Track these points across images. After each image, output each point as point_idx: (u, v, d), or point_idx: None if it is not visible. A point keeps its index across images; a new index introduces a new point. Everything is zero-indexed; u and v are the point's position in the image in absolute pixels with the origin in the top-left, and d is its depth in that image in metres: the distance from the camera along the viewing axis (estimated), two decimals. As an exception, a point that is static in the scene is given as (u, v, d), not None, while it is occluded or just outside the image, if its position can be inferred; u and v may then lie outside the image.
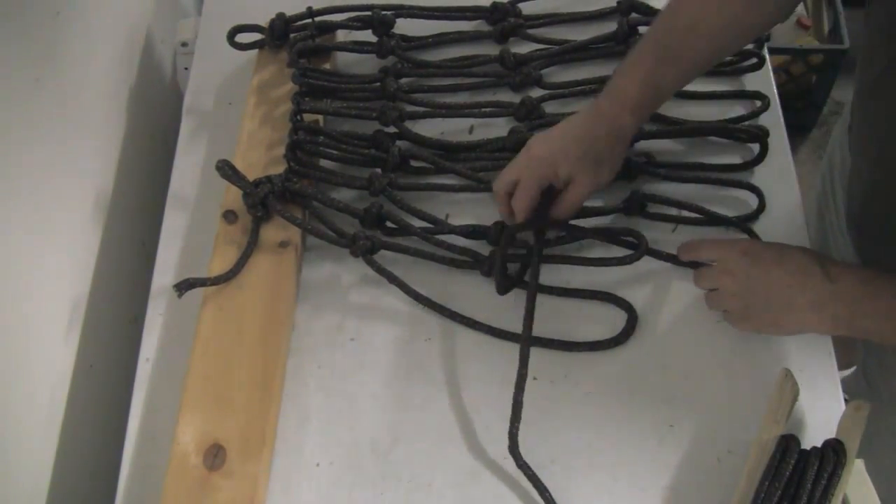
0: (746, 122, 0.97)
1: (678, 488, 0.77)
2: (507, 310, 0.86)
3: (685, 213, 0.91)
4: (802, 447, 0.73)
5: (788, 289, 0.75)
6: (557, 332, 0.85)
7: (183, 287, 0.82)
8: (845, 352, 0.86)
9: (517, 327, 0.82)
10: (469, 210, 0.93)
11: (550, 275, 0.87)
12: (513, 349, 0.84)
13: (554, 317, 0.86)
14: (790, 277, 0.75)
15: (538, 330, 0.84)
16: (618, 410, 0.81)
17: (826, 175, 1.05)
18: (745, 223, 0.89)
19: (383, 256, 0.88)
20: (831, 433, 0.74)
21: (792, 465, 0.71)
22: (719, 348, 0.83)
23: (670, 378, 0.82)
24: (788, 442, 0.73)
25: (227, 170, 0.89)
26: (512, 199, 0.84)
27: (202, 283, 0.84)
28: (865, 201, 0.87)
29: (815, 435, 0.76)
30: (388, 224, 0.90)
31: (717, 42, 0.81)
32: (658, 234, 0.89)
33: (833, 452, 0.72)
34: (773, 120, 0.98)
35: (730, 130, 0.96)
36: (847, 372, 1.29)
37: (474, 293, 0.88)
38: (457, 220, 0.91)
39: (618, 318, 0.85)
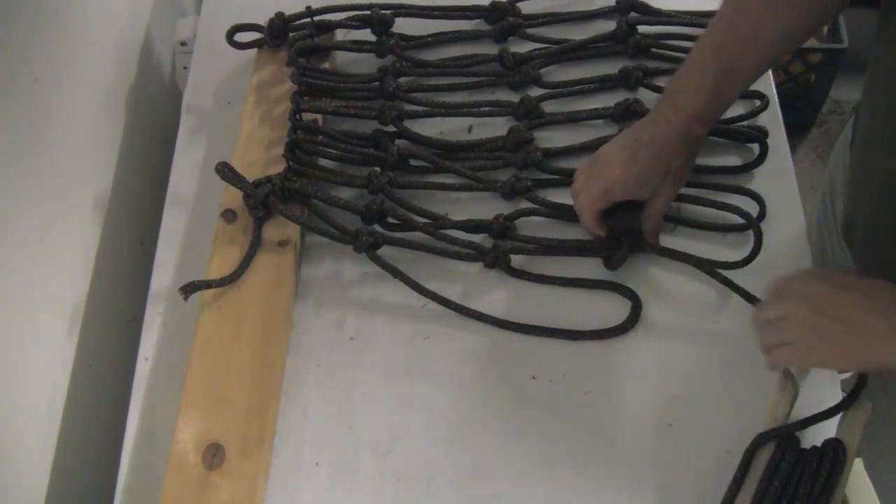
0: (745, 122, 0.97)
1: (677, 487, 0.76)
2: (509, 306, 0.86)
3: (685, 213, 0.91)
4: (802, 447, 0.73)
5: (869, 314, 0.68)
6: (560, 324, 0.85)
7: (188, 290, 0.82)
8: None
9: (519, 321, 0.84)
10: (468, 209, 0.93)
11: (550, 268, 0.88)
12: (512, 348, 0.84)
13: (555, 312, 0.86)
14: (870, 302, 0.68)
15: (540, 324, 0.84)
16: (617, 409, 0.81)
17: (827, 192, 1.05)
18: (745, 229, 0.89)
19: (384, 256, 0.88)
20: (831, 433, 0.74)
21: (792, 465, 0.71)
22: (719, 348, 0.83)
23: (670, 378, 0.82)
24: (788, 441, 0.73)
25: (226, 171, 0.89)
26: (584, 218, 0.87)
27: (207, 285, 0.84)
28: (868, 215, 0.86)
29: (815, 434, 0.76)
30: (390, 220, 0.90)
31: (775, 49, 0.82)
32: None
33: (833, 452, 0.72)
34: (773, 119, 0.98)
35: (729, 130, 0.96)
36: (847, 374, 1.29)
37: (475, 292, 0.88)
38: (456, 219, 0.91)
39: (619, 313, 0.85)
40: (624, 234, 0.86)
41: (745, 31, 0.79)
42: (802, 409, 0.78)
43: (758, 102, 0.98)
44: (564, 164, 0.95)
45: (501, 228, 0.89)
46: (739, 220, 0.89)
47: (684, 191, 0.91)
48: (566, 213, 0.91)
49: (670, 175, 0.84)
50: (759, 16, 0.78)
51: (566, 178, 0.94)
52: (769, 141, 0.95)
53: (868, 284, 0.70)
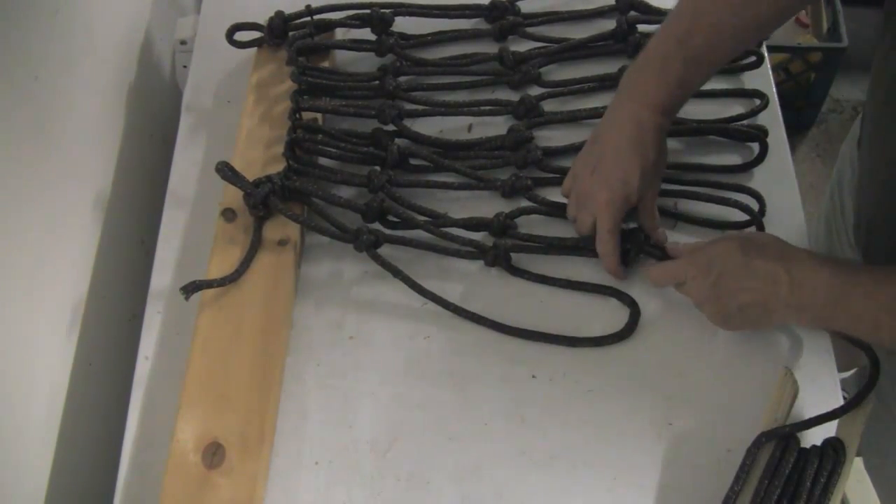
0: (745, 121, 0.97)
1: (677, 487, 0.77)
2: (508, 306, 0.86)
3: (685, 209, 0.91)
4: (802, 446, 0.73)
5: (759, 305, 0.76)
6: (559, 328, 0.85)
7: (190, 290, 0.82)
8: (847, 355, 0.86)
9: (518, 322, 0.83)
10: (468, 207, 0.93)
11: (550, 268, 0.88)
12: (512, 347, 0.84)
13: (555, 313, 0.86)
14: (757, 294, 0.75)
15: (539, 325, 0.84)
16: (617, 408, 0.81)
17: (835, 190, 1.05)
18: (746, 225, 0.89)
19: (384, 255, 0.88)
20: (831, 432, 0.74)
21: (791, 464, 0.71)
22: (719, 347, 0.83)
23: (670, 376, 0.82)
24: (788, 440, 0.73)
25: (226, 171, 0.88)
26: (598, 243, 0.86)
27: (209, 285, 0.84)
28: (876, 212, 0.87)
29: (815, 434, 0.76)
30: (391, 218, 0.90)
31: (741, 40, 0.82)
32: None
33: (833, 451, 0.72)
34: (773, 119, 0.98)
35: (729, 129, 0.96)
36: (847, 374, 1.30)
37: (475, 290, 0.88)
38: (456, 217, 0.91)
39: (618, 316, 0.85)
40: (629, 241, 0.86)
41: (711, 21, 0.79)
42: (804, 410, 0.78)
43: (757, 101, 0.98)
44: (564, 162, 0.95)
45: (502, 226, 0.89)
46: (739, 219, 0.89)
47: (684, 188, 0.91)
48: (566, 211, 0.91)
49: (649, 170, 0.84)
50: (727, 5, 0.78)
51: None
52: (769, 140, 0.95)
53: (756, 270, 0.74)
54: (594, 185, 0.84)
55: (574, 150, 0.96)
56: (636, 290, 0.87)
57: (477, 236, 0.89)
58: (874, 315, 0.71)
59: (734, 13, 0.78)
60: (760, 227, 0.89)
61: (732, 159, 0.95)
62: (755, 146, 0.95)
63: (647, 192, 0.85)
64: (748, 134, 0.95)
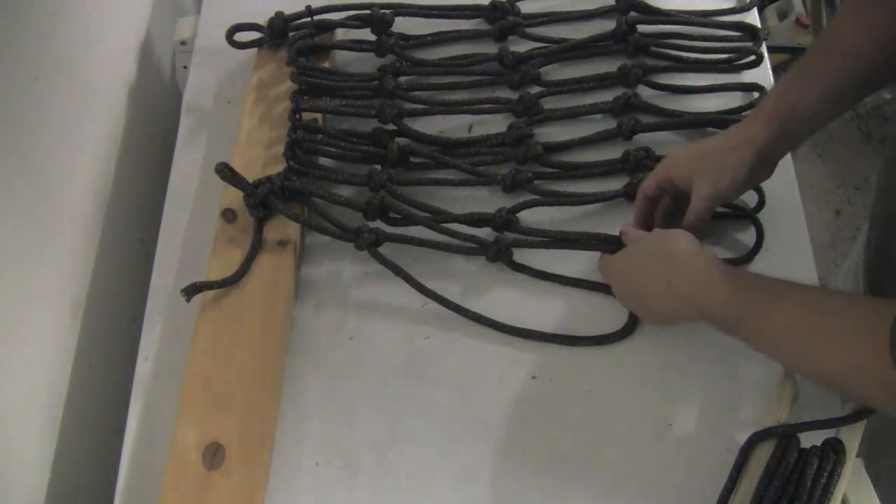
0: (744, 113, 0.97)
1: (677, 487, 0.76)
2: (508, 306, 0.86)
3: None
4: (802, 446, 0.73)
5: (666, 313, 0.78)
6: (559, 328, 0.85)
7: (191, 291, 0.82)
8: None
9: (519, 321, 0.84)
10: (469, 205, 0.92)
11: (552, 267, 0.88)
12: (512, 347, 0.84)
13: (555, 313, 0.86)
14: (663, 302, 0.77)
15: (539, 325, 0.84)
16: (617, 408, 0.81)
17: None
18: (745, 217, 0.90)
19: (385, 255, 0.88)
20: (831, 432, 0.74)
21: (792, 464, 0.71)
22: (719, 347, 0.83)
23: (670, 376, 0.82)
24: (788, 441, 0.73)
25: (226, 172, 0.88)
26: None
27: (210, 286, 0.84)
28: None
29: (815, 433, 0.76)
30: (392, 215, 0.90)
31: (861, 63, 0.79)
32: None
33: (833, 451, 0.72)
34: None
35: (728, 122, 0.96)
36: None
37: (476, 290, 0.88)
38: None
39: (618, 316, 0.85)
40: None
41: (832, 41, 0.79)
42: (803, 411, 0.78)
43: (756, 95, 0.98)
44: (565, 158, 0.96)
45: (504, 221, 0.89)
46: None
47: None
48: (568, 200, 0.91)
49: (705, 159, 0.81)
50: (849, 28, 0.78)
51: (567, 172, 0.94)
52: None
53: (675, 282, 0.75)
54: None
55: (574, 145, 0.96)
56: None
57: (479, 233, 0.89)
58: (771, 336, 0.70)
59: (856, 35, 0.78)
60: (757, 224, 0.88)
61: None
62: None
63: (701, 189, 0.81)
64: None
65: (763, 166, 0.82)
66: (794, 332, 0.67)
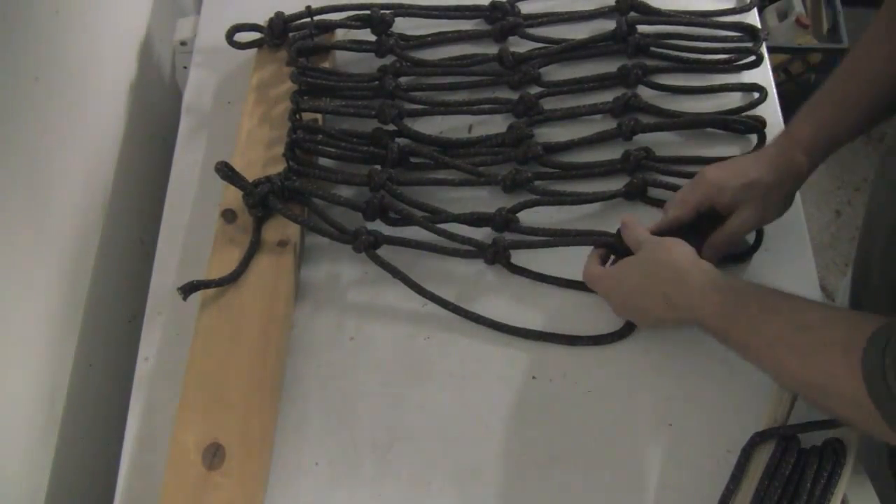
0: (744, 114, 0.97)
1: (677, 487, 0.77)
2: (508, 306, 0.86)
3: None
4: (802, 447, 0.73)
5: (661, 321, 0.80)
6: (558, 328, 0.85)
7: (188, 290, 0.82)
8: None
9: (518, 322, 0.84)
10: (469, 205, 0.92)
11: (550, 268, 0.88)
12: (511, 347, 0.84)
13: (554, 313, 0.86)
14: (657, 313, 0.78)
15: (539, 325, 0.84)
16: (617, 409, 0.81)
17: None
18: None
19: (384, 257, 0.88)
20: (831, 432, 0.74)
21: (792, 465, 0.71)
22: (719, 347, 0.83)
23: (670, 377, 0.82)
24: (788, 441, 0.73)
25: (226, 171, 0.88)
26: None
27: (206, 285, 0.84)
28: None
29: (815, 434, 0.76)
30: (391, 215, 0.90)
31: (893, 88, 0.80)
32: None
33: (833, 452, 0.72)
34: (772, 113, 0.98)
35: (728, 122, 0.96)
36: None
37: (475, 291, 0.88)
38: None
39: (617, 316, 0.85)
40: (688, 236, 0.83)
41: (864, 66, 0.80)
42: (803, 411, 0.78)
43: (756, 95, 0.98)
44: (565, 158, 0.96)
45: (504, 221, 0.89)
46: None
47: (684, 181, 0.91)
48: (568, 200, 0.91)
49: (752, 189, 0.81)
50: (883, 53, 0.79)
51: (567, 172, 0.94)
52: (768, 133, 0.95)
53: (666, 294, 0.76)
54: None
55: (574, 145, 0.96)
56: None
57: (478, 234, 0.89)
58: (757, 348, 0.70)
59: (887, 61, 0.78)
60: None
61: (731, 151, 0.95)
62: (754, 138, 0.96)
63: (738, 210, 0.82)
64: (747, 125, 0.96)
65: (797, 190, 0.85)
66: (775, 346, 0.68)
